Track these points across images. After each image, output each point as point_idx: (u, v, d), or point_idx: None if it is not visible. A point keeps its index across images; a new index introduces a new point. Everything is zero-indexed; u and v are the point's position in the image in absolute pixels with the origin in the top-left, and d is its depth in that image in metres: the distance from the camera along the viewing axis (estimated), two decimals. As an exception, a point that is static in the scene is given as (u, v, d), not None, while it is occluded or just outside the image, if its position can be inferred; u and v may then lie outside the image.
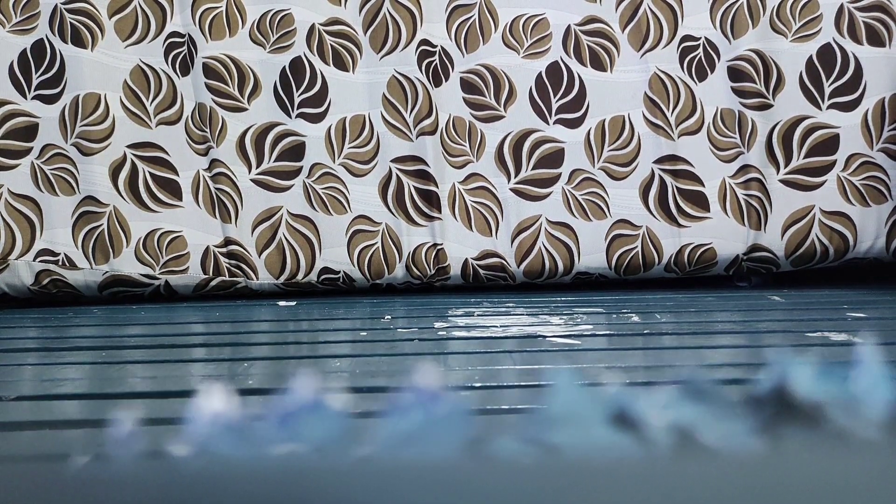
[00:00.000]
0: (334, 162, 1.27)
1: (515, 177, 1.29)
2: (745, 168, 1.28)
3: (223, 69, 1.26)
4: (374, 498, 0.20)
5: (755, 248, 1.27)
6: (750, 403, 0.30)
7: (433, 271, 1.27)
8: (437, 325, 0.96)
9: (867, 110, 1.27)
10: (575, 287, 1.32)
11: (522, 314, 1.03)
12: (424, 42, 1.29)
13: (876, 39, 1.27)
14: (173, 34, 1.26)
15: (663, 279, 1.32)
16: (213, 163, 1.25)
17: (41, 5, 1.23)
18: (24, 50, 1.22)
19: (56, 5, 1.23)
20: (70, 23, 1.23)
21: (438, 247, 1.27)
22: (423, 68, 1.29)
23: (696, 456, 0.25)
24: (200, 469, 0.22)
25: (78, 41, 1.23)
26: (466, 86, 1.29)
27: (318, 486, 0.21)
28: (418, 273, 1.27)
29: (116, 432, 0.28)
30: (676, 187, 1.28)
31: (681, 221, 1.28)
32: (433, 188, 1.27)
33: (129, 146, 1.23)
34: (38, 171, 1.21)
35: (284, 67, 1.27)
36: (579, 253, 1.27)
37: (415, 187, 1.28)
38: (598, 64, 1.30)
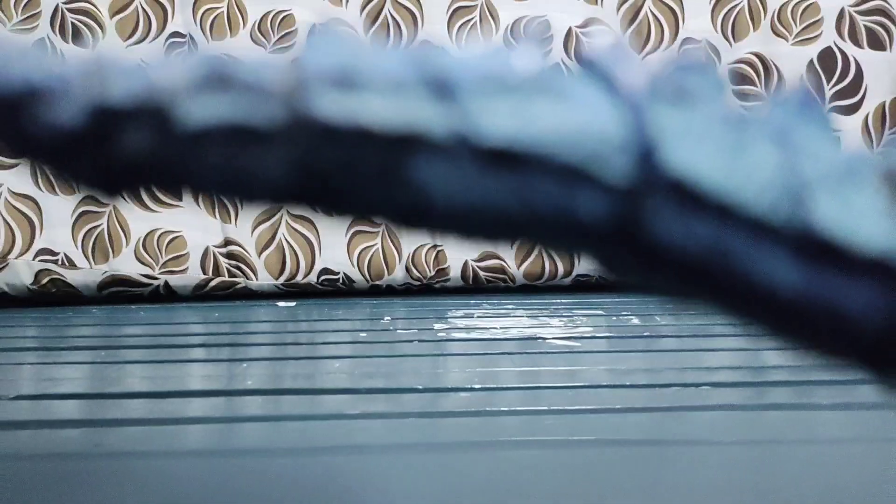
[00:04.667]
0: (334, 163, 1.27)
1: (516, 178, 1.28)
2: (745, 171, 1.28)
3: (224, 69, 1.26)
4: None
5: (755, 251, 1.27)
6: None
7: (433, 273, 1.27)
8: (436, 326, 0.96)
9: (868, 114, 1.27)
10: (575, 289, 1.32)
11: (522, 316, 1.03)
12: (424, 43, 1.29)
13: (877, 43, 1.28)
14: (174, 34, 1.26)
15: (663, 282, 1.32)
16: (214, 163, 1.25)
17: (42, 5, 1.23)
18: (25, 49, 1.22)
19: (57, 5, 1.23)
20: (71, 22, 1.23)
21: (438, 248, 1.26)
22: (424, 70, 1.29)
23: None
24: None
25: (79, 41, 1.23)
26: (467, 87, 1.29)
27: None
28: (418, 274, 1.27)
29: None
30: (677, 190, 1.28)
31: (681, 224, 1.28)
32: (433, 189, 1.27)
33: (129, 146, 1.23)
34: (37, 170, 1.21)
35: (285, 68, 1.27)
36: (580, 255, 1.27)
37: (415, 188, 1.27)
38: (598, 66, 1.30)
